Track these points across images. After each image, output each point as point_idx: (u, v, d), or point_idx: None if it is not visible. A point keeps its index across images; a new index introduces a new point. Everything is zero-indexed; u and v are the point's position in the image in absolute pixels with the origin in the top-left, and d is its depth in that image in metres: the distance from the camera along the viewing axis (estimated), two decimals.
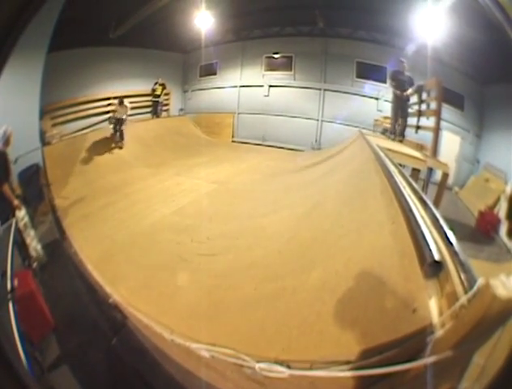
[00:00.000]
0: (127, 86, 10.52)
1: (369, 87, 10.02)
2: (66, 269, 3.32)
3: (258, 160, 7.64)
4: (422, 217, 1.62)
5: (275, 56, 11.15)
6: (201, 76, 12.57)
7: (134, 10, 8.83)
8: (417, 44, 7.34)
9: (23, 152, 4.28)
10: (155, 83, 10.62)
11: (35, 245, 3.36)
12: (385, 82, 9.86)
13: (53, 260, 3.41)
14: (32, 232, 3.39)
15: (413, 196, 1.92)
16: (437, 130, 5.43)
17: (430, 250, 1.43)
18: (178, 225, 3.68)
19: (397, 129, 7.54)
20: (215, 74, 12.25)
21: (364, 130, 8.22)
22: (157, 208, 4.33)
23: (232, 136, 11.69)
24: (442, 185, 5.19)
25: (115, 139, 7.31)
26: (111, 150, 7.29)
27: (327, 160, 6.58)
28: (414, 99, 6.57)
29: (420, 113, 6.34)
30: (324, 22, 9.39)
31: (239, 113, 11.88)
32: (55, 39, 4.91)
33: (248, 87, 11.89)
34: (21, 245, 3.16)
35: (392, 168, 2.52)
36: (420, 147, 6.46)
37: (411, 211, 1.66)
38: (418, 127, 6.45)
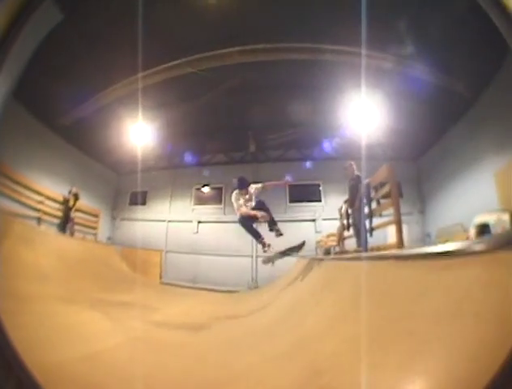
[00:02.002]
0: (61, 187, 9.36)
1: (304, 209, 10.12)
2: None
3: (189, 305, 6.53)
4: None
5: (204, 189, 11.27)
6: (130, 204, 12.40)
7: (78, 101, 8.68)
8: (348, 147, 7.82)
9: None
10: (69, 192, 9.08)
11: None
12: (320, 200, 10.18)
13: None
14: None
15: None
16: (399, 221, 4.98)
17: None
18: None
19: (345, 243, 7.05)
20: (144, 204, 12.17)
21: (307, 255, 7.53)
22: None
23: (160, 277, 10.88)
24: None
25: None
26: None
27: (276, 299, 5.39)
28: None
29: (371, 214, 5.97)
30: (256, 144, 9.92)
31: (167, 252, 11.20)
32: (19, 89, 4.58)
33: (176, 222, 11.46)
34: None
35: None
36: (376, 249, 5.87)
37: None
38: (372, 229, 5.97)
